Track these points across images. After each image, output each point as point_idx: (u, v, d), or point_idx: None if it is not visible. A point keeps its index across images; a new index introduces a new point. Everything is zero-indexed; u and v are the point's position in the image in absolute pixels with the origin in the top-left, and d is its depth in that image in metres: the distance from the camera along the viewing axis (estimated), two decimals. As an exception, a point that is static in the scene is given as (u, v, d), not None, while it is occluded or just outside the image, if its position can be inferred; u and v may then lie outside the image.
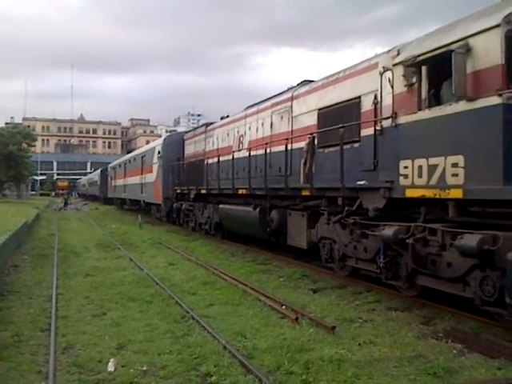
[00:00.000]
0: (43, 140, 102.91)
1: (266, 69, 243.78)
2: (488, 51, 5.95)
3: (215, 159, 15.99)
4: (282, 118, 11.99)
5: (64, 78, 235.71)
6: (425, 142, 6.90)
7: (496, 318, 6.35)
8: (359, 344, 5.97)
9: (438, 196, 6.64)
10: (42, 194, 74.60)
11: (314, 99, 10.49)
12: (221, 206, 15.80)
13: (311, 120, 10.44)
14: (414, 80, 7.12)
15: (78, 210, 44.28)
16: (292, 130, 11.32)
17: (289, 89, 12.50)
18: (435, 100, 6.89)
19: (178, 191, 20.89)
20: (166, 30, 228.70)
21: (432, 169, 6.71)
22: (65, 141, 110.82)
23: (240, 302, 8.16)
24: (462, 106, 6.25)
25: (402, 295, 8.13)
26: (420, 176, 6.94)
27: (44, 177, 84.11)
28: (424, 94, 7.00)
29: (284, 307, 7.62)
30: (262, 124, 13.08)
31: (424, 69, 6.98)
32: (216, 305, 8.01)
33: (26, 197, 54.69)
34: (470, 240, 5.98)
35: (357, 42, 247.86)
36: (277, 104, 12.36)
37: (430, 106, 6.88)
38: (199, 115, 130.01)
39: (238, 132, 14.86)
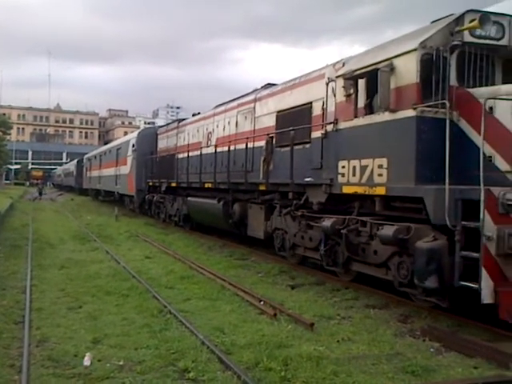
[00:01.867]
0: (18, 128, 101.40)
1: (245, 63, 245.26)
2: (407, 71, 7.00)
3: (185, 154, 16.84)
4: (246, 117, 12.92)
5: (41, 66, 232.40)
6: (358, 145, 7.95)
7: (411, 297, 7.46)
8: (338, 341, 6.02)
9: (367, 192, 7.71)
10: (16, 184, 73.92)
11: (273, 102, 11.46)
12: (189, 198, 16.70)
13: (271, 121, 11.40)
14: (352, 91, 8.15)
15: (53, 200, 44.22)
16: (254, 130, 12.26)
17: (253, 91, 13.45)
18: (369, 109, 7.91)
19: (151, 184, 21.71)
20: (146, 22, 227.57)
21: (363, 169, 7.78)
22: (40, 130, 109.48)
23: (218, 296, 8.16)
24: (386, 116, 7.31)
25: (379, 292, 8.35)
26: (354, 175, 8.00)
27: (19, 166, 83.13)
28: (359, 104, 8.03)
29: (262, 303, 7.64)
30: (229, 123, 13.99)
31: (360, 82, 8.01)
32: (193, 299, 7.98)
33: (0, 186, 54.31)
34: (388, 230, 7.07)
35: (335, 39, 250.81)
36: (242, 105, 13.28)
37: (363, 115, 7.92)
38: (178, 108, 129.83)
39: (206, 129, 15.73)
